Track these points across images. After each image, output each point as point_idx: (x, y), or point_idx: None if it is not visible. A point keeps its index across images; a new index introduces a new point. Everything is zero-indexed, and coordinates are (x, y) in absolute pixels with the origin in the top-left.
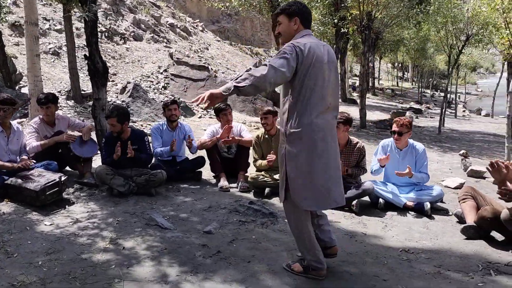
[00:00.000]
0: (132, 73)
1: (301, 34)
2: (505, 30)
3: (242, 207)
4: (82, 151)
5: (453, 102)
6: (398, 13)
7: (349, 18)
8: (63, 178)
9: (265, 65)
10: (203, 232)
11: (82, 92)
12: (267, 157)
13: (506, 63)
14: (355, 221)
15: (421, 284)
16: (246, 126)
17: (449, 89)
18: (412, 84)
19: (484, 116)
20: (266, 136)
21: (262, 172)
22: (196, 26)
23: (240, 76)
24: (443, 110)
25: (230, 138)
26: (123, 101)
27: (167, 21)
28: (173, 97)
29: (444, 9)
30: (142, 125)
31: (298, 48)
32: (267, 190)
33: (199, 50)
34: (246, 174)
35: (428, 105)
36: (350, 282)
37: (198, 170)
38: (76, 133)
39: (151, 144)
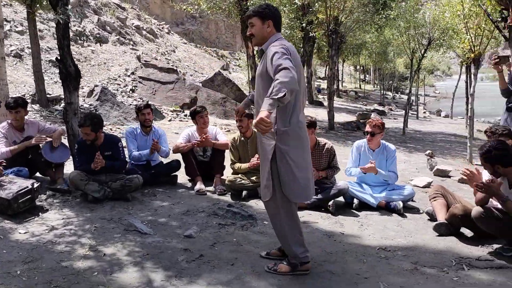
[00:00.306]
0: (98, 76)
1: (276, 37)
2: (465, 35)
3: (221, 210)
4: (54, 156)
5: (414, 103)
6: (363, 18)
7: (316, 22)
8: (35, 185)
9: (285, 68)
10: (184, 236)
11: (48, 95)
12: (252, 161)
13: (464, 66)
14: (332, 221)
15: (400, 280)
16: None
17: (415, 92)
18: (373, 87)
19: (443, 117)
20: (242, 138)
21: (239, 175)
22: (162, 28)
23: (274, 88)
24: (407, 111)
25: (204, 139)
26: (90, 105)
27: (133, 23)
28: (145, 101)
29: (407, 15)
30: (111, 129)
31: (287, 50)
32: (244, 192)
33: (166, 53)
34: (222, 177)
35: (390, 107)
36: (333, 281)
37: (174, 174)
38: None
39: (125, 149)
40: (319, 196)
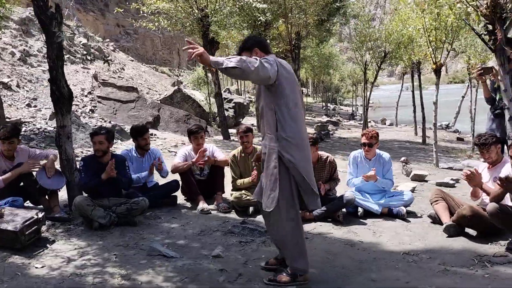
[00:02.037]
0: None
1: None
2: (428, 48)
3: (236, 228)
4: (50, 183)
5: (356, 114)
6: (320, 32)
7: (277, 38)
8: (40, 215)
9: (256, 59)
10: (212, 257)
11: (7, 119)
12: (253, 174)
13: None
14: (345, 231)
15: (439, 281)
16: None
17: (352, 103)
18: (313, 99)
19: (389, 125)
20: (243, 154)
21: (243, 191)
22: (107, 46)
23: (233, 57)
24: (365, 121)
25: (206, 159)
26: (55, 127)
27: (81, 41)
28: (149, 123)
29: (363, 29)
30: (82, 152)
31: (275, 60)
32: (251, 208)
33: (117, 71)
34: (223, 195)
35: (338, 118)
36: None
37: (173, 194)
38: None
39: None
40: (327, 207)
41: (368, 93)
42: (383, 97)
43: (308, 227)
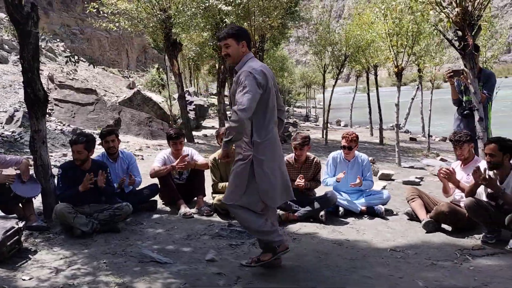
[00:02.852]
0: (7, 100)
1: (248, 57)
2: (390, 52)
3: (224, 230)
4: (25, 190)
5: (310, 116)
6: (282, 35)
7: None
8: (20, 224)
9: (237, 111)
10: (206, 261)
11: None
12: None
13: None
14: (330, 230)
15: (430, 275)
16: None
17: (305, 105)
18: None
19: (343, 126)
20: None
21: None
22: (57, 46)
23: (226, 131)
24: (326, 123)
25: (186, 163)
26: (13, 132)
27: None
28: (106, 127)
29: (323, 33)
30: None
31: (257, 78)
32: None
33: (71, 72)
34: (204, 198)
35: (295, 120)
36: (375, 285)
37: (152, 199)
38: (12, 171)
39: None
40: (310, 207)
41: (329, 95)
42: (332, 99)
43: (293, 228)
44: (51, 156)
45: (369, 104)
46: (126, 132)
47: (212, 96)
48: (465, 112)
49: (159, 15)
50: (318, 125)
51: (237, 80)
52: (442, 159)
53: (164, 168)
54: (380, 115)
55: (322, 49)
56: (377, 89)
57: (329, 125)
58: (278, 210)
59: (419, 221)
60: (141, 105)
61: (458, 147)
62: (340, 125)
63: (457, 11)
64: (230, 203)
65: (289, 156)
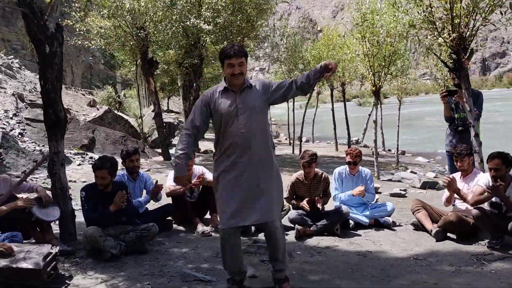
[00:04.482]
0: None
1: None
2: (368, 72)
3: (251, 247)
4: (46, 214)
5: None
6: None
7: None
8: (56, 249)
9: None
10: (249, 278)
11: None
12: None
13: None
14: (347, 243)
15: (459, 280)
16: None
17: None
18: None
19: (305, 142)
20: None
21: None
22: (12, 62)
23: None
24: (301, 139)
25: (200, 181)
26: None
27: None
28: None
29: (295, 51)
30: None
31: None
32: (253, 228)
33: (33, 90)
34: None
35: None
36: None
37: (168, 218)
38: (26, 196)
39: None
40: (325, 221)
41: (303, 111)
42: (278, 115)
43: (312, 242)
44: (37, 178)
45: (334, 119)
46: (101, 151)
47: (171, 114)
48: (459, 128)
49: (139, 33)
50: (281, 141)
51: (267, 82)
52: (412, 172)
53: (179, 187)
54: (348, 130)
55: (293, 67)
56: (345, 105)
57: (291, 140)
58: (296, 225)
59: (425, 230)
60: (112, 124)
61: (459, 160)
62: (301, 140)
63: (454, 36)
64: (276, 218)
65: (299, 174)
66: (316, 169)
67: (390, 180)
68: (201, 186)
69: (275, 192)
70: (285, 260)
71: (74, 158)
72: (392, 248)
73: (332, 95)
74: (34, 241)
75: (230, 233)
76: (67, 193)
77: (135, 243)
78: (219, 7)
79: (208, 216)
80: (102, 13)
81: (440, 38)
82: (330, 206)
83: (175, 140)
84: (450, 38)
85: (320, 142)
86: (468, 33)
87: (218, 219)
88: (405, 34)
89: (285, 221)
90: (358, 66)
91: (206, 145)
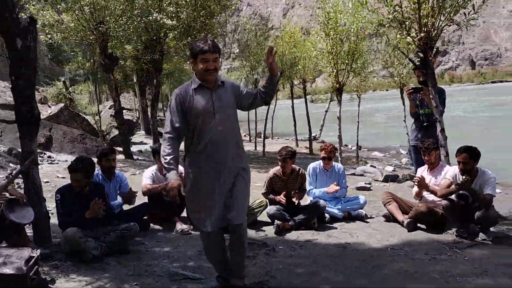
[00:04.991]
0: None
1: None
2: (332, 69)
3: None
4: (21, 217)
5: None
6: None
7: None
8: (37, 253)
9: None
10: None
11: None
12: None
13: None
14: (325, 236)
15: (437, 268)
16: None
17: None
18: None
19: (266, 138)
20: None
21: None
22: None
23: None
24: (264, 136)
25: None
26: None
27: None
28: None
29: (256, 49)
30: None
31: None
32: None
33: None
34: None
35: None
36: (399, 281)
37: (144, 218)
38: None
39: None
40: (302, 216)
41: (267, 108)
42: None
43: (293, 236)
44: None
45: (294, 116)
46: (59, 150)
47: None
48: (425, 124)
49: (99, 28)
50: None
51: (235, 86)
52: (372, 166)
53: (157, 186)
54: (309, 126)
55: (256, 64)
56: (306, 102)
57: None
58: (276, 220)
59: (396, 221)
60: (69, 121)
61: (427, 154)
62: (261, 137)
63: (421, 36)
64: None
65: (276, 169)
66: (293, 166)
67: (353, 174)
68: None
69: (246, 194)
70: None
71: (43, 161)
72: (369, 240)
73: (292, 92)
74: (5, 245)
75: (215, 234)
76: (41, 194)
77: (116, 243)
78: (183, 2)
79: (185, 214)
80: (59, 6)
81: (409, 37)
82: (304, 201)
83: (134, 138)
84: (418, 37)
85: (279, 138)
86: (434, 32)
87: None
88: (374, 33)
89: (264, 217)
90: (319, 63)
91: None
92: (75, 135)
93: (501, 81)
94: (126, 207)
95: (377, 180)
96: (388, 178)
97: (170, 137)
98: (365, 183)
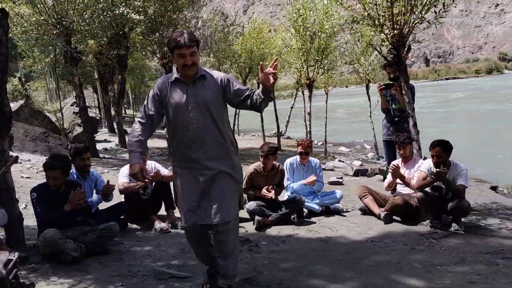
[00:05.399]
0: None
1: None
2: (302, 66)
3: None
4: None
5: None
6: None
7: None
8: (15, 255)
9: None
10: None
11: None
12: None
13: None
14: (305, 230)
15: (416, 258)
16: None
17: None
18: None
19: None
20: None
21: None
22: None
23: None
24: (235, 132)
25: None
26: None
27: None
28: (83, 144)
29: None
30: None
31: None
32: None
33: None
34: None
35: None
36: (384, 272)
37: (122, 217)
38: None
39: None
40: (281, 211)
41: None
42: None
43: (273, 232)
44: None
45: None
46: (21, 149)
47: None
48: (396, 119)
49: (62, 22)
50: None
51: (225, 80)
52: (340, 161)
53: (135, 184)
54: (277, 122)
55: (224, 60)
56: (273, 98)
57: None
58: (256, 216)
59: (373, 214)
60: (30, 119)
61: (402, 147)
62: (238, 134)
63: (394, 33)
64: (230, 219)
65: (257, 165)
66: (274, 162)
67: (324, 169)
68: (154, 182)
69: (225, 196)
70: (234, 267)
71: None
72: (348, 233)
73: (258, 87)
74: None
75: (193, 231)
76: (13, 195)
77: (96, 244)
78: None
79: (163, 212)
80: None
81: (382, 34)
82: (281, 196)
83: (97, 136)
84: (391, 34)
85: (245, 134)
86: (406, 30)
87: (175, 215)
88: (347, 30)
89: (243, 213)
90: (288, 60)
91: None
92: (37, 133)
93: (454, 78)
94: (101, 206)
95: (347, 175)
96: (358, 173)
97: (140, 121)
98: (337, 178)
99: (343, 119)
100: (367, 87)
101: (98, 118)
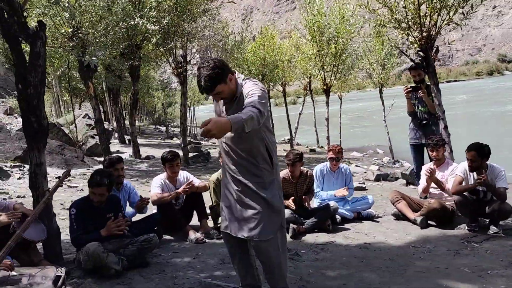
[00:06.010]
0: None
1: (239, 81)
2: (319, 72)
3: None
4: (33, 233)
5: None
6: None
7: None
8: (63, 272)
9: (254, 107)
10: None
11: None
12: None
13: None
14: (342, 237)
15: (462, 262)
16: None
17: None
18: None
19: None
20: None
21: None
22: None
23: (244, 113)
24: None
25: (188, 187)
26: None
27: None
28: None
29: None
30: None
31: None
32: None
33: None
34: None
35: (190, 139)
36: (435, 277)
37: (156, 228)
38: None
39: None
40: (315, 219)
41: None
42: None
43: (310, 239)
44: None
45: (272, 119)
46: None
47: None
48: (423, 122)
49: (78, 34)
50: (215, 142)
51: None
52: (356, 166)
53: (167, 195)
54: (290, 129)
55: (237, 68)
56: (286, 105)
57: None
58: (291, 223)
59: (407, 219)
60: None
61: (435, 150)
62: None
63: (423, 35)
64: (270, 237)
65: (285, 172)
66: (302, 168)
67: None
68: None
69: (265, 210)
70: (283, 279)
71: (12, 172)
72: (386, 239)
73: (269, 95)
74: (19, 264)
75: (227, 237)
76: (51, 209)
77: (136, 256)
78: (165, 6)
79: (196, 222)
80: (34, 12)
81: (411, 37)
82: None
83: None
84: (419, 37)
85: None
86: (434, 32)
87: (208, 225)
88: (374, 34)
89: None
90: (298, 67)
91: (145, 150)
92: (53, 146)
93: (455, 80)
94: (136, 217)
95: (369, 180)
96: (380, 177)
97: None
98: (359, 183)
99: (346, 125)
100: (381, 92)
101: (110, 129)
